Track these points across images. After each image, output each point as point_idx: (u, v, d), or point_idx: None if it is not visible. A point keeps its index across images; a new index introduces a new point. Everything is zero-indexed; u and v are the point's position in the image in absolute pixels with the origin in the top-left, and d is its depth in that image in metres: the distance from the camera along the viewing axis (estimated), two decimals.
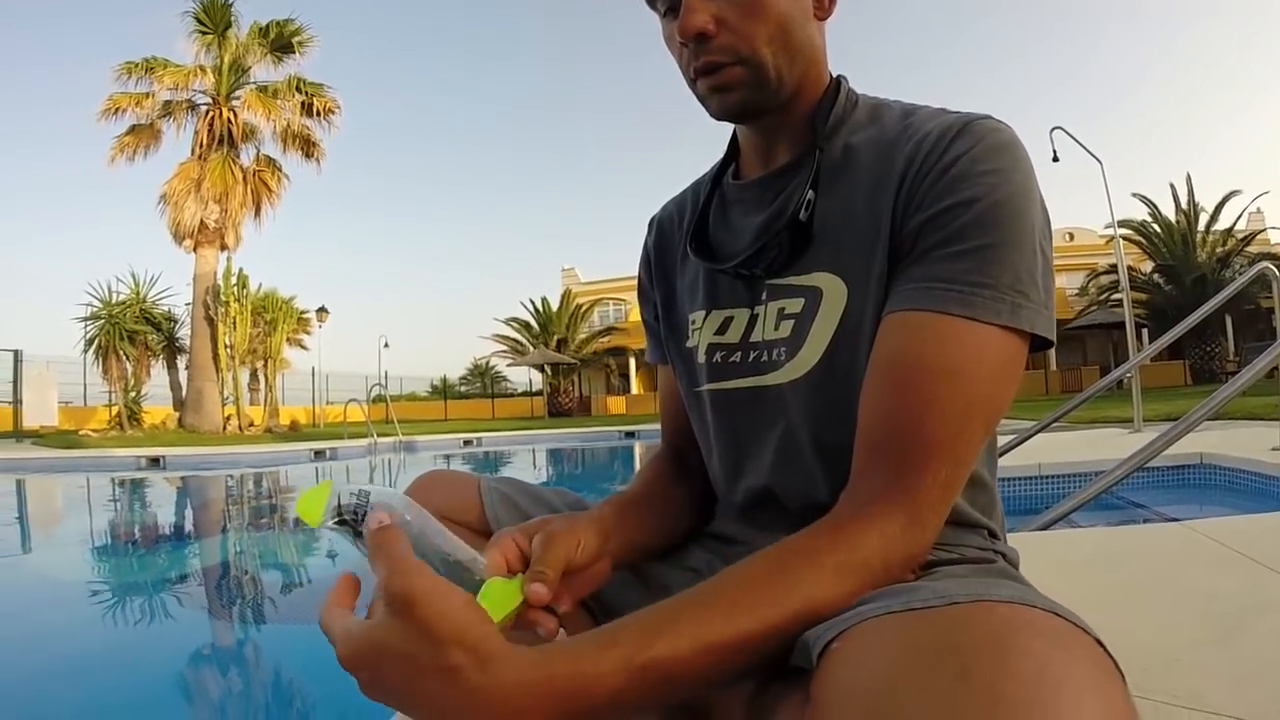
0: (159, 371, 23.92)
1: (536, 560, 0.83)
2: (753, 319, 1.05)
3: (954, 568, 0.91)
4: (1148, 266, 31.56)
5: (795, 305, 0.99)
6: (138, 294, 23.18)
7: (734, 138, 1.16)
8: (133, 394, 22.14)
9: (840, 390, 0.93)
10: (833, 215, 0.96)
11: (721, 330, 1.09)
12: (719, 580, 0.75)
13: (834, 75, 1.07)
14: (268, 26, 23.74)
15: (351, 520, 0.74)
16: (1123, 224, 28.43)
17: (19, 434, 19.22)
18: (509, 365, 40.96)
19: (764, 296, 1.03)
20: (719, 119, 1.03)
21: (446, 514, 1.10)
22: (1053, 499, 5.34)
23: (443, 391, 46.35)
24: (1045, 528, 3.01)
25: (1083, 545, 2.90)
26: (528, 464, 14.63)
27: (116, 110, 22.60)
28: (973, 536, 0.99)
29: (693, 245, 1.12)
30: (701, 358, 1.11)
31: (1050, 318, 0.87)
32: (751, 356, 1.04)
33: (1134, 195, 31.60)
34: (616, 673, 0.64)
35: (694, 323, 1.13)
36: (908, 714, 0.51)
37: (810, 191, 0.97)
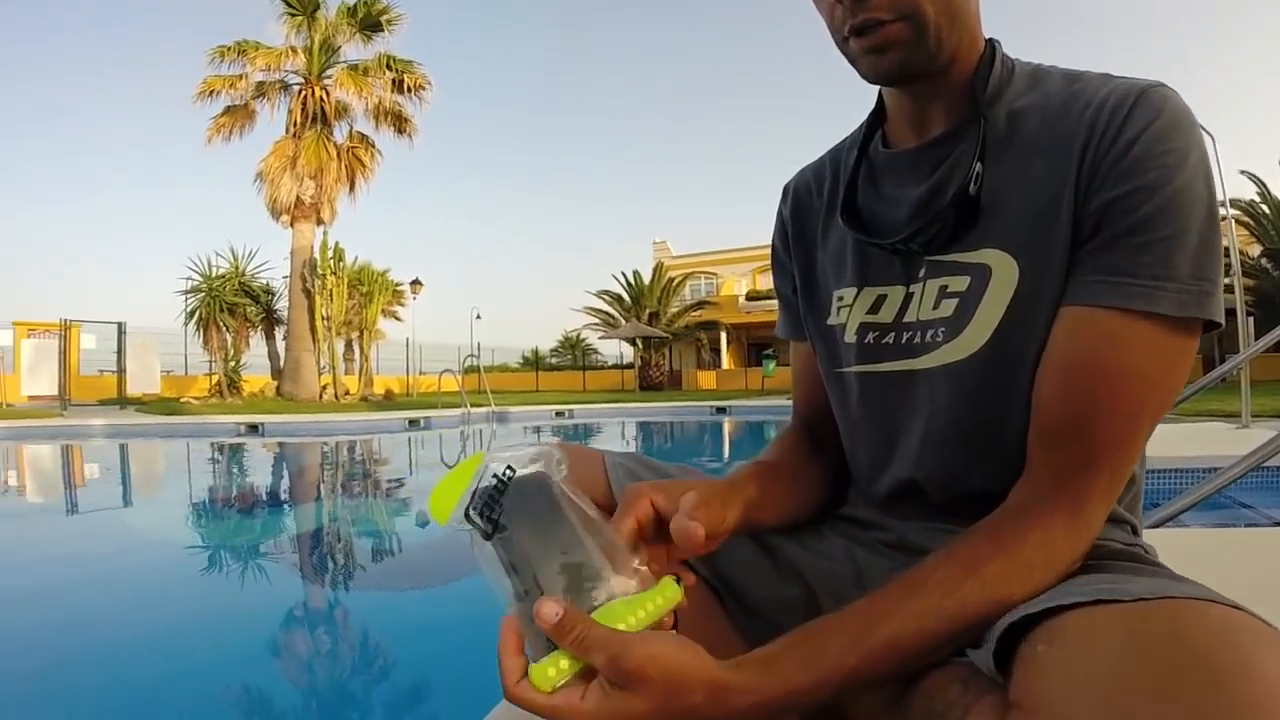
0: (257, 342, 24.72)
1: (686, 513, 0.83)
2: (908, 298, 1.01)
3: (1106, 562, 0.88)
4: (1256, 250, 29.69)
5: (959, 283, 0.95)
6: (236, 268, 23.86)
7: (879, 104, 1.09)
8: (232, 364, 22.87)
9: (1004, 375, 0.91)
10: (1003, 188, 0.92)
11: (874, 309, 1.04)
12: (898, 587, 0.77)
13: (987, 39, 1.01)
14: (355, 6, 23.98)
15: (485, 517, 0.71)
16: (1231, 203, 26.83)
17: (123, 401, 19.85)
18: (600, 338, 41.46)
19: (922, 274, 0.98)
20: (873, 81, 0.97)
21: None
22: (1157, 494, 5.02)
23: (534, 363, 46.87)
24: (1156, 525, 2.78)
25: (1190, 545, 2.67)
26: (617, 436, 14.55)
27: (211, 93, 23.14)
28: (1117, 530, 0.97)
29: (845, 216, 1.06)
30: (850, 337, 1.07)
31: (1222, 298, 0.84)
32: (905, 338, 1.01)
33: (1242, 173, 29.67)
34: (825, 685, 0.71)
35: (841, 299, 1.09)
36: None
37: (978, 164, 0.92)
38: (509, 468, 0.72)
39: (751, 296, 40.28)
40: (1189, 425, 8.48)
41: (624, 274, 39.14)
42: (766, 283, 40.71)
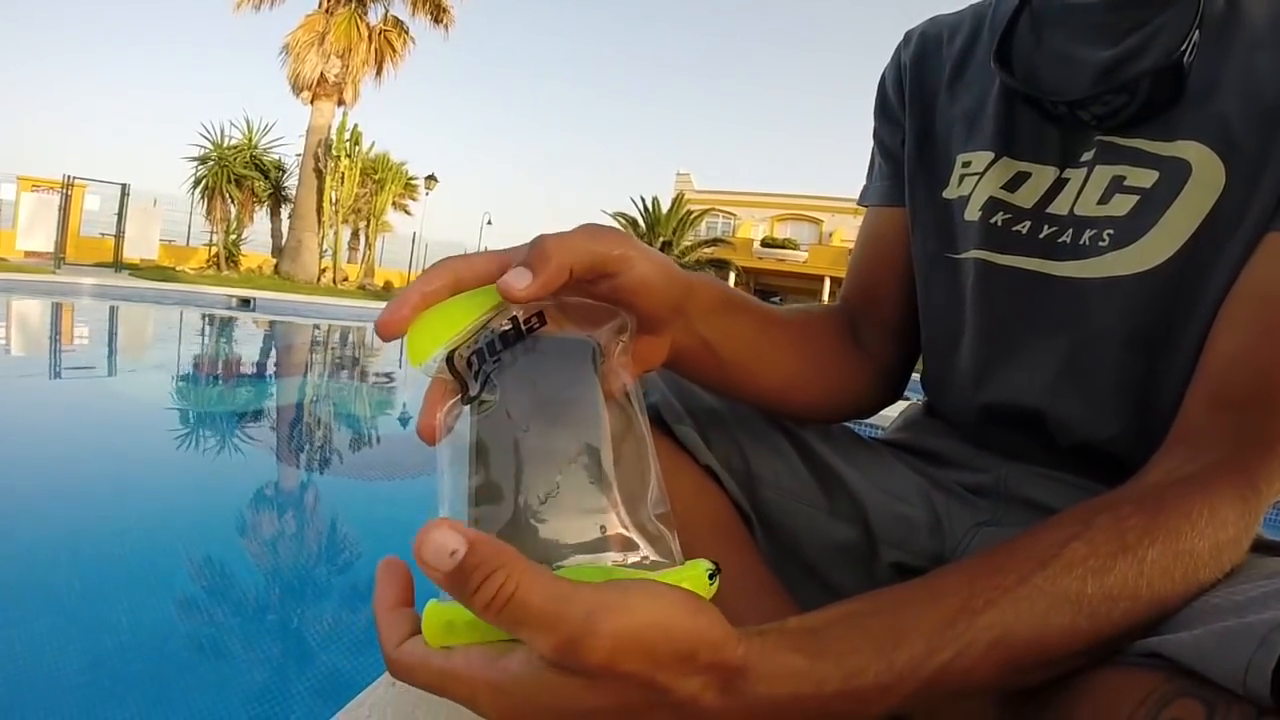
0: (262, 219, 24.61)
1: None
2: (1059, 184, 0.81)
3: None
4: None
5: (1143, 177, 0.75)
6: (250, 139, 23.51)
7: None
8: (233, 236, 22.70)
9: (1182, 305, 0.73)
10: (1223, 72, 0.73)
11: (1011, 186, 0.84)
12: (1018, 559, 0.53)
13: None
14: None
15: (474, 370, 0.45)
16: None
17: (119, 265, 19.67)
18: None
19: (1089, 156, 0.79)
20: None
21: None
22: None
23: None
24: None
25: None
26: None
27: None
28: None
29: (997, 61, 0.85)
30: (973, 214, 0.86)
31: None
32: (1045, 233, 0.81)
33: None
34: (901, 684, 0.47)
35: (967, 165, 0.88)
36: None
37: (1196, 32, 0.72)
38: (532, 318, 0.46)
39: (767, 243, 40.08)
40: None
41: (642, 198, 38.78)
42: (784, 231, 40.94)
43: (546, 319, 0.47)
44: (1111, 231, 0.77)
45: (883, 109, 1.03)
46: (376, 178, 24.89)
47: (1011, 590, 0.51)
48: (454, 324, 0.47)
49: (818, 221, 40.82)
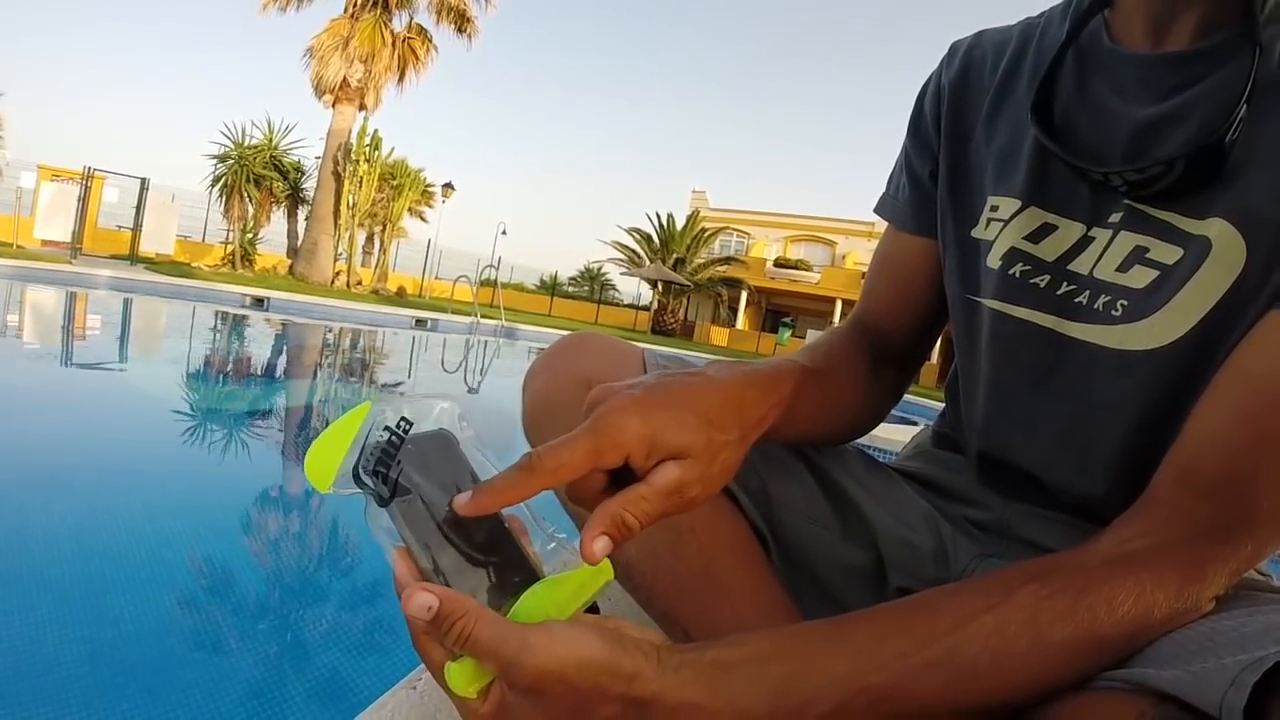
0: (278, 219, 24.63)
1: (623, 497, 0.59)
2: (1084, 241, 0.80)
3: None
4: None
5: (1166, 253, 0.74)
6: (270, 140, 23.61)
7: None
8: (250, 235, 22.78)
9: (1189, 383, 0.72)
10: (1259, 148, 0.70)
11: (1035, 237, 0.83)
12: (925, 616, 0.59)
13: None
14: None
15: (378, 475, 0.55)
16: None
17: (134, 258, 19.71)
18: (621, 274, 41.40)
19: (1114, 219, 0.78)
20: None
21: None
22: None
23: (550, 288, 46.76)
24: None
25: None
26: None
27: None
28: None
29: (1037, 115, 0.83)
30: (995, 261, 0.86)
31: None
32: (1064, 289, 0.81)
33: None
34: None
35: (995, 209, 0.87)
36: None
37: (1244, 106, 0.69)
38: (404, 419, 0.57)
39: (780, 264, 39.98)
40: None
41: (658, 214, 38.86)
42: (797, 252, 40.93)
43: (411, 419, 0.57)
44: (1125, 302, 0.77)
45: (916, 130, 1.01)
46: (394, 183, 25.02)
47: (908, 657, 0.56)
48: (339, 447, 0.57)
49: (831, 243, 40.79)
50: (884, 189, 1.07)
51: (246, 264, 22.07)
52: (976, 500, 0.93)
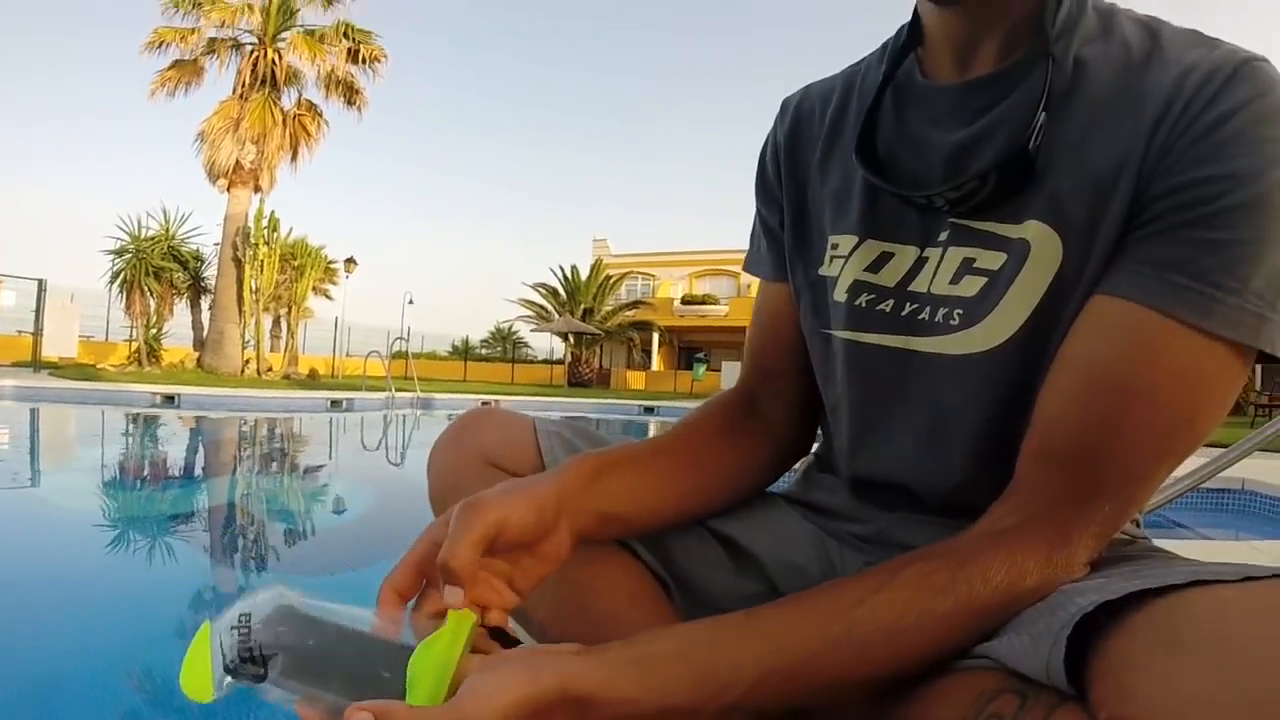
0: (182, 311, 24.09)
1: (444, 549, 0.69)
2: (920, 262, 0.87)
3: (1122, 556, 0.77)
4: None
5: (990, 260, 0.80)
6: (167, 230, 23.19)
7: (915, 22, 0.93)
8: (154, 331, 22.31)
9: (1030, 377, 0.78)
10: (1060, 150, 0.77)
11: (874, 268, 0.90)
12: (815, 608, 0.67)
13: None
14: None
15: (246, 660, 0.62)
16: None
17: (37, 364, 19.13)
18: (532, 330, 41.21)
19: (943, 237, 0.84)
20: None
21: (497, 459, 1.01)
22: None
23: (463, 352, 46.38)
24: None
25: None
26: None
27: (161, 44, 22.55)
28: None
29: (860, 154, 0.90)
30: (841, 295, 0.92)
31: None
32: (908, 309, 0.87)
33: None
34: (705, 707, 0.61)
35: (835, 247, 0.94)
36: None
37: (1043, 114, 0.76)
38: (242, 615, 0.65)
39: (687, 301, 40.53)
40: None
41: (562, 268, 39.14)
42: (703, 288, 41.41)
43: (249, 611, 0.65)
44: (961, 311, 0.83)
45: (762, 187, 1.08)
46: (296, 264, 24.67)
47: (810, 640, 0.64)
48: (203, 664, 0.63)
49: (735, 275, 41.56)
50: (749, 250, 1.14)
51: (153, 360, 21.59)
52: (856, 516, 0.98)
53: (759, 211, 1.10)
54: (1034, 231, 0.78)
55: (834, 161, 0.97)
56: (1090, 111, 0.77)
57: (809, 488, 1.07)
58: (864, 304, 0.91)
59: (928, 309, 0.85)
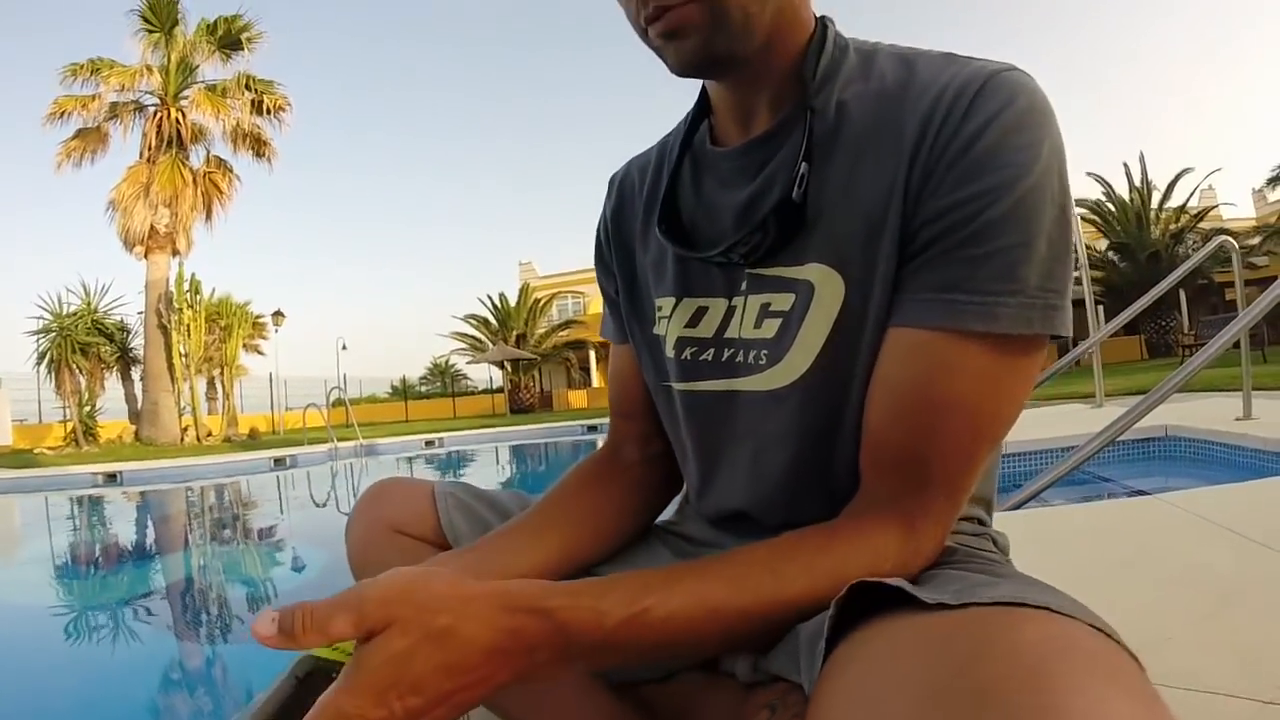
0: (113, 384, 23.67)
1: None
2: (730, 311, 0.92)
3: (954, 563, 0.83)
4: (1103, 244, 32.22)
5: (782, 301, 0.87)
6: (89, 304, 22.84)
7: (703, 92, 0.99)
8: (87, 409, 21.84)
9: (831, 403, 0.85)
10: (829, 192, 0.82)
11: (693, 323, 0.96)
12: (720, 558, 0.74)
13: (818, 17, 0.91)
14: (215, 23, 23.42)
15: None
16: (1078, 203, 29.18)
17: None
18: (469, 363, 41.08)
19: (744, 287, 0.90)
20: (679, 73, 0.85)
21: (402, 526, 1.08)
22: (1021, 477, 5.44)
23: (403, 392, 45.92)
24: (1018, 507, 2.99)
25: (1057, 523, 2.89)
26: (491, 463, 14.39)
27: (62, 114, 22.29)
28: (964, 524, 0.94)
29: (662, 226, 0.97)
30: (671, 351, 0.99)
31: (1069, 308, 0.78)
32: (726, 355, 0.93)
33: (1088, 174, 32.22)
34: (614, 611, 0.65)
35: (660, 309, 1.01)
36: None
37: (803, 164, 0.82)
38: None
39: None
40: (1047, 408, 9.06)
41: (490, 297, 38.79)
42: None
43: None
44: (766, 351, 0.89)
45: (599, 260, 1.15)
46: (223, 324, 24.26)
47: (709, 575, 0.71)
48: None
49: None
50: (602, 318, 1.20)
51: (90, 439, 21.15)
52: (716, 542, 1.03)
53: (599, 282, 1.17)
54: (815, 273, 0.83)
55: (652, 232, 1.01)
56: (854, 152, 0.81)
57: (681, 520, 1.15)
58: (689, 357, 0.97)
59: (741, 352, 0.91)
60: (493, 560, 0.94)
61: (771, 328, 0.88)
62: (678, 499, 1.17)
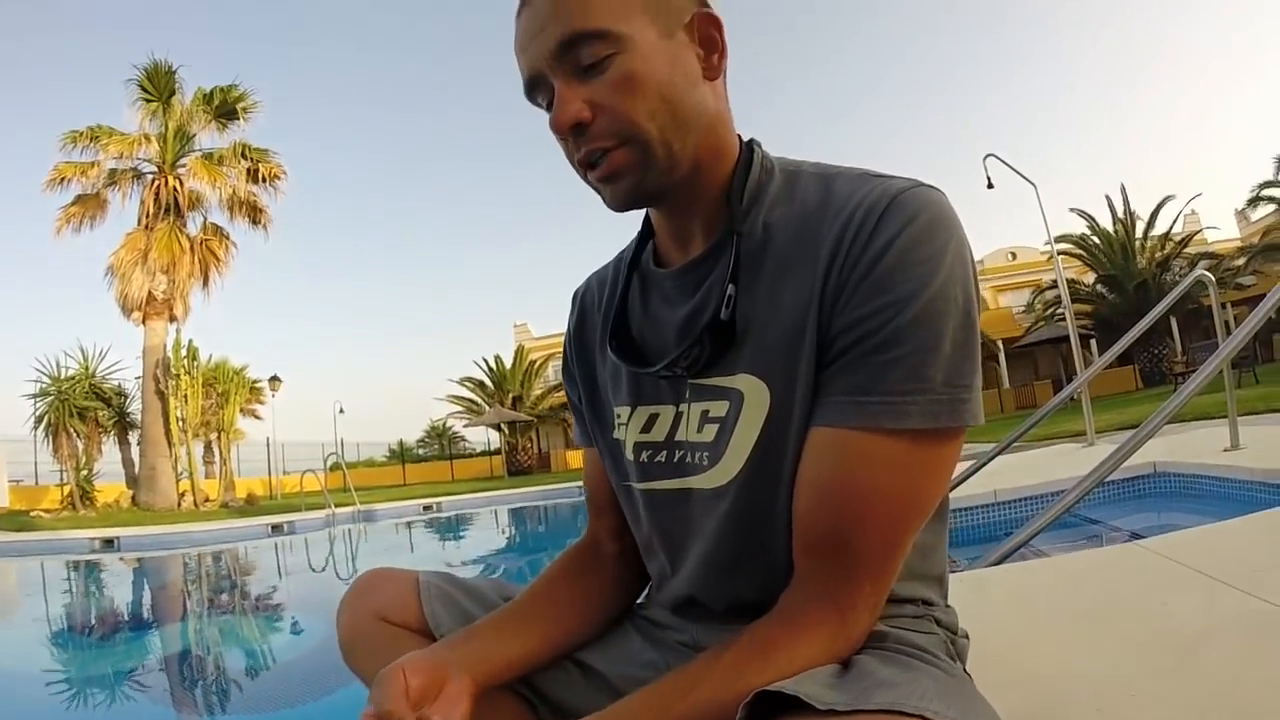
0: (110, 448, 23.48)
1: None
2: (677, 417, 1.00)
3: (880, 650, 0.89)
4: (1091, 278, 32.49)
5: (719, 408, 0.94)
6: (87, 369, 22.74)
7: (647, 217, 1.08)
8: (84, 472, 21.68)
9: (764, 499, 0.92)
10: (756, 309, 0.91)
11: (647, 428, 1.04)
12: (663, 684, 0.82)
13: (744, 140, 0.99)
14: (211, 93, 23.70)
15: None
16: (1063, 239, 29.98)
17: None
18: (466, 426, 40.89)
19: (687, 395, 0.98)
20: (616, 209, 0.94)
21: (387, 614, 1.14)
22: (1011, 524, 5.43)
23: (400, 456, 45.68)
24: (999, 562, 3.01)
25: (1037, 576, 2.89)
26: (490, 525, 14.36)
27: (62, 180, 22.40)
28: (905, 607, 0.98)
29: (613, 343, 1.06)
30: (630, 454, 1.07)
31: (980, 397, 0.84)
32: (677, 456, 1.01)
33: (1072, 210, 32.61)
34: None
35: (619, 416, 1.09)
36: None
37: (730, 286, 0.90)
38: None
39: None
40: (1039, 451, 9.00)
41: (485, 360, 38.85)
42: None
43: None
44: (707, 454, 0.96)
45: (566, 370, 1.24)
46: (220, 389, 24.29)
47: (687, 695, 0.79)
48: None
49: None
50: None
51: (87, 503, 20.96)
52: (677, 627, 1.11)
53: (566, 391, 1.26)
54: (745, 382, 0.91)
55: (608, 344, 1.09)
56: (779, 270, 0.89)
57: (648, 605, 1.21)
58: (646, 459, 1.04)
59: (689, 454, 0.99)
60: (488, 650, 1.01)
61: (711, 432, 0.95)
62: (649, 588, 1.23)
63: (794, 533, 0.87)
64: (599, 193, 0.93)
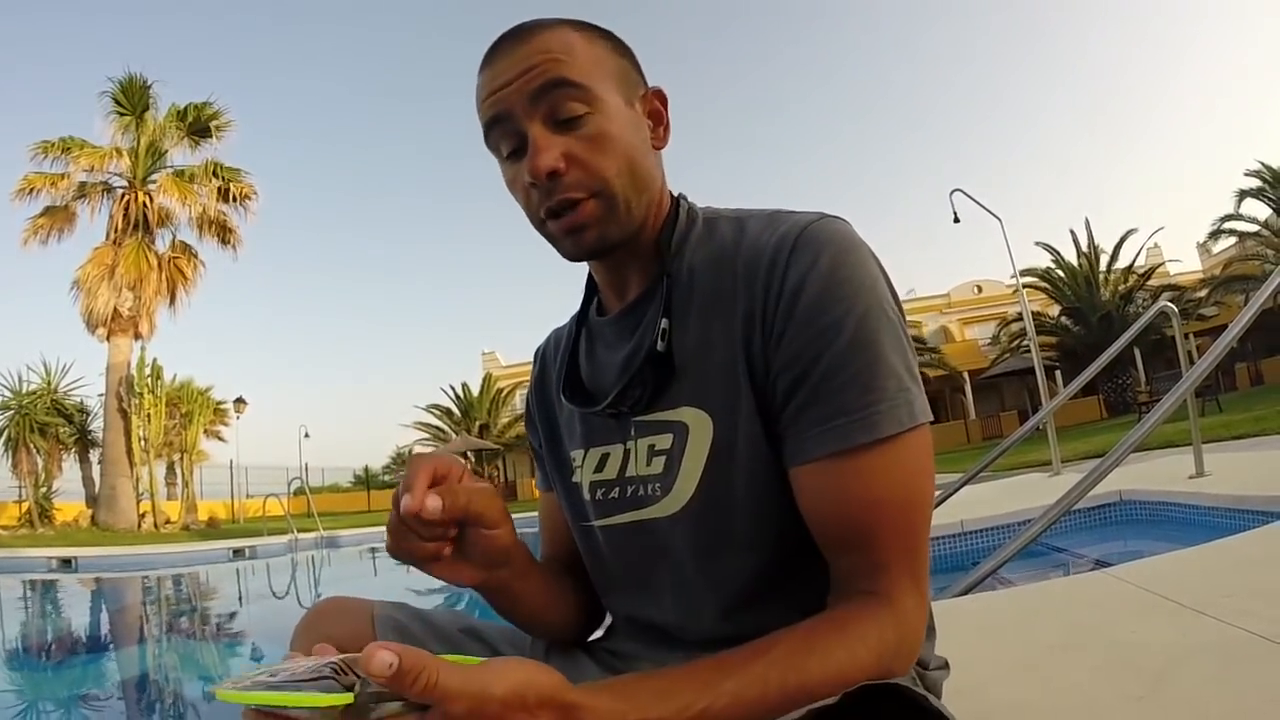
0: (71, 466, 23.16)
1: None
2: (626, 454, 1.04)
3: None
4: (1056, 310, 33.13)
5: (663, 441, 0.99)
6: (49, 384, 22.53)
7: (589, 273, 1.15)
8: (44, 490, 21.32)
9: (718, 523, 0.96)
10: (691, 344, 0.96)
11: (599, 468, 1.08)
12: (744, 651, 0.78)
13: (674, 195, 1.08)
14: (185, 109, 23.60)
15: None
16: (1028, 272, 30.45)
17: None
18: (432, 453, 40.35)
19: (633, 432, 1.03)
20: (575, 259, 1.01)
21: (342, 644, 1.07)
22: (978, 554, 5.46)
23: (365, 482, 45.45)
24: (966, 592, 3.01)
25: (1005, 606, 2.90)
26: None
27: (31, 190, 22.14)
28: None
29: (565, 390, 1.12)
30: (587, 495, 1.11)
31: (923, 393, 0.89)
32: (630, 491, 1.04)
33: (1037, 244, 33.10)
34: (634, 714, 0.69)
35: (575, 460, 1.14)
36: None
37: (664, 320, 0.97)
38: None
39: None
40: (1006, 481, 9.11)
41: (453, 387, 38.90)
42: None
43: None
44: (658, 485, 1.00)
45: (528, 420, 1.29)
46: (184, 409, 24.04)
47: (740, 670, 0.75)
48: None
49: None
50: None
51: (46, 521, 20.58)
52: (643, 657, 1.11)
53: (529, 439, 1.31)
54: (687, 414, 0.96)
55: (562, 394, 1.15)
56: (705, 308, 0.96)
57: (611, 637, 1.22)
58: (602, 497, 1.08)
59: (642, 487, 1.02)
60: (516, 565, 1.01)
61: (659, 464, 0.99)
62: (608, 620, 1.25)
63: (821, 549, 0.90)
64: (554, 242, 0.99)
